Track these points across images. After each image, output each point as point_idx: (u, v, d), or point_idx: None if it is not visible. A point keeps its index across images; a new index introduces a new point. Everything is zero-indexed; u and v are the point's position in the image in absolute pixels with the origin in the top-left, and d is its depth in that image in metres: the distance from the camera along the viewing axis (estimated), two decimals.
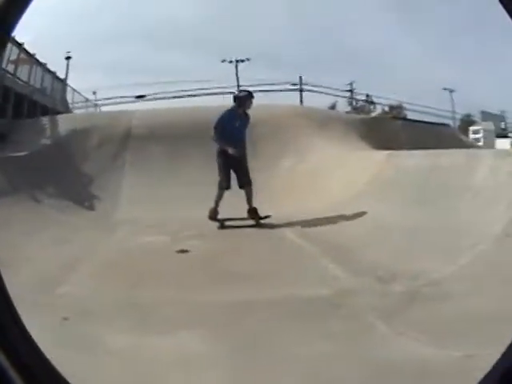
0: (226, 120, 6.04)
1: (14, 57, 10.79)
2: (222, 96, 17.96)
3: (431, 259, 3.63)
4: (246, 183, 6.05)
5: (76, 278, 3.68)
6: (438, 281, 3.19)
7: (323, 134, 8.84)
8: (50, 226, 5.45)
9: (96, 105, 19.60)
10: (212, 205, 5.99)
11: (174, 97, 18.70)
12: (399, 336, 2.38)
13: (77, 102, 17.38)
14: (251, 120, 6.28)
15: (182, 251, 4.51)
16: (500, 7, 0.86)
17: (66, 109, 14.85)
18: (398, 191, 5.67)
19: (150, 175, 7.82)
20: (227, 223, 5.93)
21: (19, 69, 11.29)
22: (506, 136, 31.56)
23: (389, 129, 10.16)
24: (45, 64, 13.18)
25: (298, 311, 2.87)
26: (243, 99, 6.18)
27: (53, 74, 14.08)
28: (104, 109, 17.69)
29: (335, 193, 6.68)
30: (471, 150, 7.11)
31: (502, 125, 34.93)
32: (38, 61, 12.57)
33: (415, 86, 43.90)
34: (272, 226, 5.71)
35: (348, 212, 5.65)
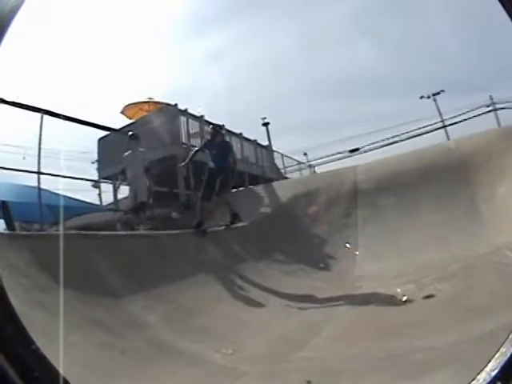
0: (207, 148, 7.51)
1: (195, 130, 11.25)
2: (433, 133, 16.93)
3: None
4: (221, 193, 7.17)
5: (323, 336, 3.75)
6: None
7: None
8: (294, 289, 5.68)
9: (310, 166, 19.27)
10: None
11: (385, 144, 17.36)
12: None
13: (288, 166, 17.43)
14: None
15: (428, 297, 4.34)
16: (500, 7, 0.89)
17: (278, 174, 14.94)
18: None
19: (384, 227, 7.71)
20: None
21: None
22: None
23: None
24: (240, 133, 13.31)
25: None
26: (210, 135, 7.62)
27: (252, 141, 14.25)
28: (318, 169, 17.42)
29: None
30: None
31: None
32: (230, 131, 12.60)
33: None
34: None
35: None
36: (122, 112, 12.60)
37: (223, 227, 7.39)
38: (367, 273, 6.33)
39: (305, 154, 19.65)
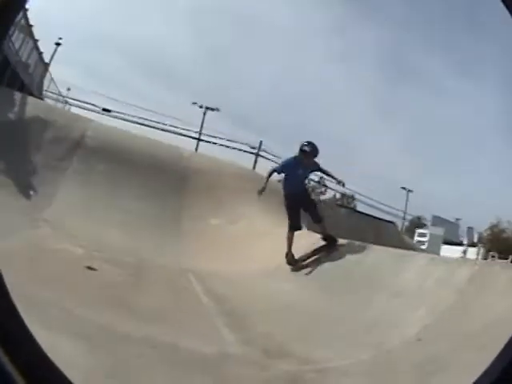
0: (289, 167, 6.41)
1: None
2: (183, 138, 19.42)
3: (330, 348, 3.44)
4: (317, 220, 6.42)
5: None
6: (327, 370, 3.05)
7: (263, 203, 8.44)
8: None
9: (66, 102, 19.20)
10: (286, 249, 6.18)
11: (138, 123, 19.13)
12: None
13: (49, 91, 17.15)
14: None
15: (90, 268, 4.59)
16: (501, 6, 0.98)
17: (40, 94, 14.58)
18: (318, 276, 5.63)
19: (89, 189, 7.69)
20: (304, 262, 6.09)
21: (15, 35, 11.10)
22: (459, 244, 32.69)
23: (332, 214, 10.52)
24: (37, 40, 12.95)
25: (175, 360, 2.84)
26: (309, 154, 6.32)
27: (40, 53, 13.89)
28: (73, 109, 17.53)
29: (256, 260, 6.59)
30: (405, 251, 6.83)
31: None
32: (32, 34, 12.27)
33: (374, 179, 44.57)
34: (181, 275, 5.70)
35: (261, 283, 5.63)
36: None
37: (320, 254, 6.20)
38: (54, 219, 6.45)
39: (68, 89, 20.18)
